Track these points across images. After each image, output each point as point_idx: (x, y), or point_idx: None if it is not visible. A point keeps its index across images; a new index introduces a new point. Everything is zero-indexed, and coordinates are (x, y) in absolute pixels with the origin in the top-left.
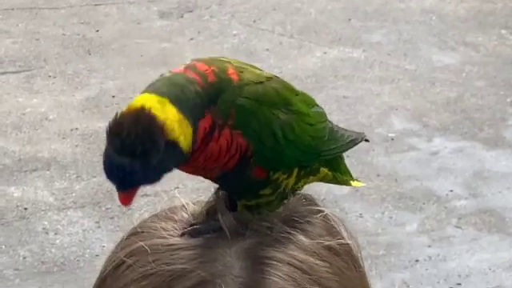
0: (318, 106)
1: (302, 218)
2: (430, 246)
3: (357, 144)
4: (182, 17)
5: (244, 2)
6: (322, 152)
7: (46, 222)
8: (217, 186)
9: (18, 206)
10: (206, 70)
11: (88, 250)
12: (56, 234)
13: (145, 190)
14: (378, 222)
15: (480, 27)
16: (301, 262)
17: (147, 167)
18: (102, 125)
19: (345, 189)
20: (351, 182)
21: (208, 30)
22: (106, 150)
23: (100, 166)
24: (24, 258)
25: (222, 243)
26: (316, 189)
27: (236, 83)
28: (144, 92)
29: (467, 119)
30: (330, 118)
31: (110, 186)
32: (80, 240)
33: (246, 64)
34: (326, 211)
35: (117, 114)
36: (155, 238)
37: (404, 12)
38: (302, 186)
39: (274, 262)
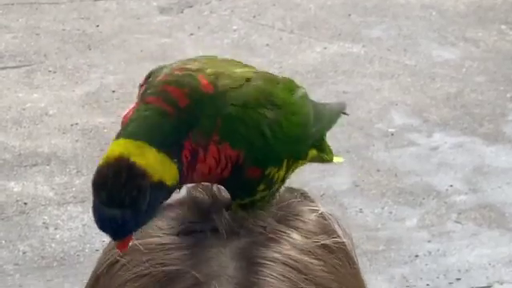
0: (298, 86)
1: (297, 216)
2: (429, 241)
3: (339, 118)
4: (181, 12)
5: None
6: (311, 137)
7: (46, 217)
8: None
9: (17, 201)
10: (178, 95)
11: (88, 245)
12: (56, 228)
13: None
14: (377, 217)
15: (480, 22)
16: (296, 261)
17: (138, 214)
18: (102, 120)
19: (344, 184)
20: (333, 158)
21: (208, 26)
22: (94, 203)
23: None
24: (24, 252)
25: (216, 243)
26: (316, 184)
27: (213, 94)
28: (119, 137)
29: (467, 114)
30: None
31: None
32: (80, 235)
33: (224, 62)
34: (321, 209)
35: (99, 165)
36: (149, 237)
37: (404, 7)
38: (292, 172)
39: (269, 262)
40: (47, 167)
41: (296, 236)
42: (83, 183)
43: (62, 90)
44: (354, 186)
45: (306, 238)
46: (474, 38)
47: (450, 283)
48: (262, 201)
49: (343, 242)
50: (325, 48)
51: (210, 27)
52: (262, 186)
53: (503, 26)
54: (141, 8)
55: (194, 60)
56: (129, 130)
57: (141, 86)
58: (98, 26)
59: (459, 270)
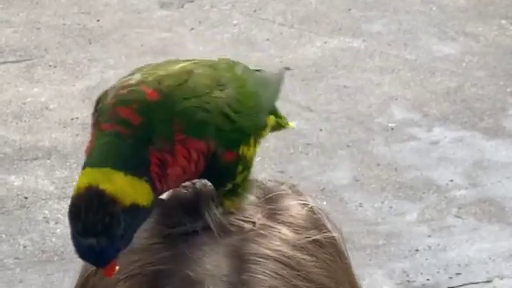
0: (236, 63)
1: (287, 211)
2: (429, 236)
3: (283, 81)
4: (182, 7)
5: None
6: (266, 105)
7: (46, 211)
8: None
9: (18, 195)
10: (128, 114)
11: None
12: (56, 223)
13: None
14: (377, 211)
15: (480, 17)
16: (288, 257)
17: (115, 239)
18: None
19: (345, 179)
20: (288, 122)
21: (208, 20)
22: (72, 234)
23: None
24: (24, 246)
25: (208, 241)
26: (316, 179)
27: (160, 99)
28: (85, 168)
29: (467, 109)
30: (330, 108)
31: None
32: None
33: (162, 65)
34: (311, 204)
35: (71, 198)
36: (139, 237)
37: (404, 2)
38: (259, 146)
39: (261, 260)
40: (48, 161)
41: (287, 232)
42: None
43: (63, 84)
44: (354, 181)
45: (297, 233)
46: (474, 32)
47: (450, 278)
48: (244, 182)
49: (334, 237)
50: (325, 42)
51: (211, 22)
52: (240, 168)
53: (503, 21)
54: (141, 2)
55: (133, 73)
56: (92, 159)
57: (93, 114)
58: (98, 20)
59: (459, 265)
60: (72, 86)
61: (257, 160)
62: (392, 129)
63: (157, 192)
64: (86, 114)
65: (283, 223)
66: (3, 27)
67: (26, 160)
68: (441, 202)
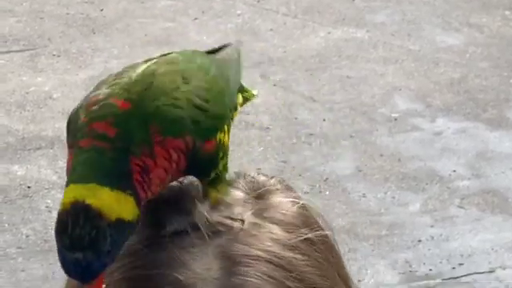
0: (193, 51)
1: (278, 209)
2: (432, 226)
3: (240, 54)
4: None
5: None
6: (233, 85)
7: (49, 201)
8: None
9: (21, 185)
10: (104, 128)
11: None
12: None
13: None
14: (380, 201)
15: (484, 8)
16: (279, 258)
17: (101, 254)
18: None
19: (348, 169)
20: (252, 92)
21: (212, 10)
22: (58, 249)
23: None
24: (27, 236)
25: (198, 242)
26: (319, 169)
27: (132, 108)
28: (69, 184)
29: (471, 100)
30: (333, 98)
31: None
32: None
33: (125, 71)
34: (302, 201)
35: (58, 213)
36: (128, 240)
37: None
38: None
39: (253, 261)
40: (51, 151)
41: (277, 231)
42: None
43: (66, 73)
44: (357, 171)
45: (288, 232)
46: (478, 23)
47: (453, 268)
48: (224, 169)
49: (326, 235)
50: (329, 33)
51: (214, 12)
52: (220, 154)
53: (507, 12)
54: None
55: (98, 88)
56: (75, 176)
57: (67, 139)
58: (102, 10)
59: (462, 255)
60: (75, 76)
61: (259, 150)
62: (395, 119)
63: (141, 200)
64: None
65: (274, 222)
66: (7, 16)
67: (29, 149)
68: (444, 193)
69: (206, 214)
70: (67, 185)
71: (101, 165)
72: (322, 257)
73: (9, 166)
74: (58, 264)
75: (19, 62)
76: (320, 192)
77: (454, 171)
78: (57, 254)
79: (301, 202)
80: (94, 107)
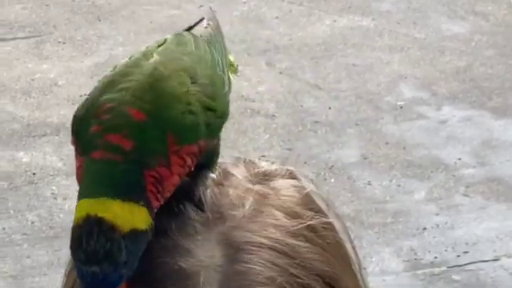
0: (182, 36)
1: (281, 195)
2: (437, 214)
3: (218, 24)
4: None
5: None
6: (225, 65)
7: (54, 187)
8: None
9: (26, 171)
10: (119, 140)
11: None
12: (64, 199)
13: None
14: (386, 189)
15: None
16: (283, 245)
17: (117, 266)
18: None
19: (353, 157)
20: (237, 67)
21: None
22: (75, 265)
23: None
24: (32, 222)
25: (201, 229)
26: (324, 157)
27: (147, 119)
28: (81, 198)
29: (476, 88)
30: (339, 86)
31: None
32: None
33: (127, 72)
34: (308, 188)
35: (71, 229)
36: None
37: None
38: None
39: (255, 248)
40: (56, 138)
41: (281, 217)
42: None
43: (72, 60)
44: (362, 159)
45: (291, 218)
46: (484, 11)
47: (458, 256)
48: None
49: (330, 222)
50: (334, 21)
51: None
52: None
53: None
54: None
55: (105, 89)
56: (87, 189)
57: (73, 143)
58: None
59: (467, 243)
60: (81, 63)
61: (265, 138)
62: (401, 107)
63: (155, 210)
64: None
65: (277, 208)
66: (13, 3)
67: (34, 136)
68: (449, 181)
69: (208, 200)
70: (79, 199)
71: (112, 178)
72: (325, 244)
73: (14, 153)
74: (64, 250)
75: (25, 48)
76: (325, 180)
77: (459, 159)
78: (61, 241)
79: (305, 189)
80: (107, 116)
